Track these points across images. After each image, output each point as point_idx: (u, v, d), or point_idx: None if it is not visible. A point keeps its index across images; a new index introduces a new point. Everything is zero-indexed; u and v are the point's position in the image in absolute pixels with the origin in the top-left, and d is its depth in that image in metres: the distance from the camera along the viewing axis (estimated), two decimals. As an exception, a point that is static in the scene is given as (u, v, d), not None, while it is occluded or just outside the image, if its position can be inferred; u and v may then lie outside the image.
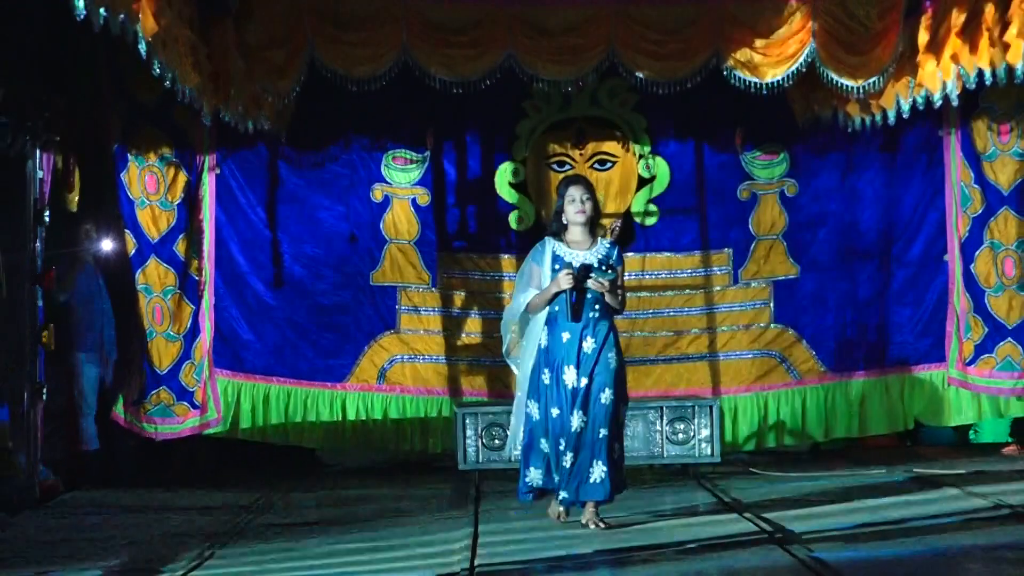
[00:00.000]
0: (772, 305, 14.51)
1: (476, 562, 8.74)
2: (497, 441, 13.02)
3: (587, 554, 8.90)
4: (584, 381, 9.52)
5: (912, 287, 14.48)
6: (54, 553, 9.57)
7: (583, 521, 9.66)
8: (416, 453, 14.33)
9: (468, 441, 13.19)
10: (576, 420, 9.48)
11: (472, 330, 14.43)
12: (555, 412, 9.54)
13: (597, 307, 9.58)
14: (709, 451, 13.09)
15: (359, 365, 14.27)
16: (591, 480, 9.55)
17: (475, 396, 14.06)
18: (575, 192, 9.69)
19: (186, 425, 13.66)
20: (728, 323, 14.49)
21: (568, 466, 9.51)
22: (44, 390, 12.35)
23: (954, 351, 14.31)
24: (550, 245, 9.71)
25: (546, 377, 9.60)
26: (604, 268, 9.60)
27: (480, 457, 13.06)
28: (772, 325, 14.52)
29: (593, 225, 9.83)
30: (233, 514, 11.23)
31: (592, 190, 9.85)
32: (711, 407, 13.21)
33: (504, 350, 10.17)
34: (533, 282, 9.69)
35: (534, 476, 9.75)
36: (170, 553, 9.38)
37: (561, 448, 9.52)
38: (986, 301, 14.09)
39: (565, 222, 9.72)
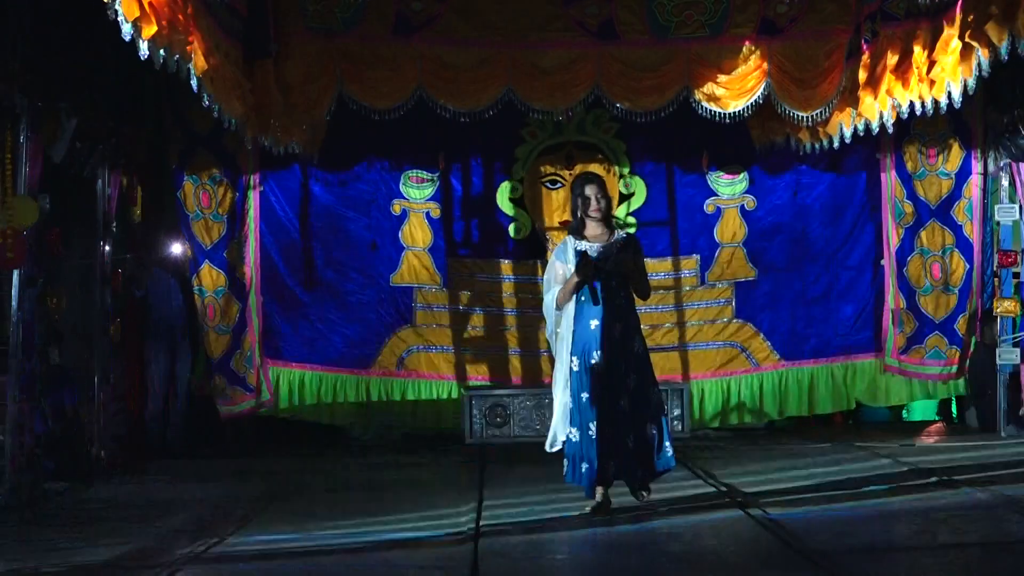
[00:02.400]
0: (734, 303, 14.57)
1: (482, 520, 8.92)
2: (499, 420, 13.12)
3: (574, 516, 9.00)
4: (613, 366, 8.92)
5: (853, 287, 14.56)
6: (124, 515, 9.72)
7: (637, 495, 9.07)
8: (429, 430, 14.37)
9: (474, 420, 13.32)
10: (607, 403, 8.87)
11: (477, 324, 14.49)
12: (584, 397, 8.92)
13: (622, 295, 9.05)
14: (680, 428, 13.20)
15: (381, 354, 14.33)
16: (639, 459, 8.98)
17: (480, 381, 14.12)
18: (590, 191, 9.09)
19: (243, 406, 13.76)
20: (696, 318, 14.55)
21: (617, 449, 8.88)
22: (112, 375, 12.46)
23: (889, 342, 14.38)
24: (571, 242, 9.10)
25: (575, 364, 8.99)
26: (621, 256, 9.02)
27: (484, 433, 13.17)
28: (734, 320, 14.59)
29: (608, 218, 9.24)
30: (277, 480, 11.34)
31: (604, 187, 9.31)
32: (681, 390, 13.37)
33: (550, 342, 9.52)
34: (558, 278, 9.08)
35: (581, 464, 8.94)
36: (224, 514, 9.50)
37: (591, 433, 8.84)
38: (917, 299, 14.20)
39: (582, 218, 9.12)
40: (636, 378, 9.02)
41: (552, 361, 9.74)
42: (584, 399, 8.92)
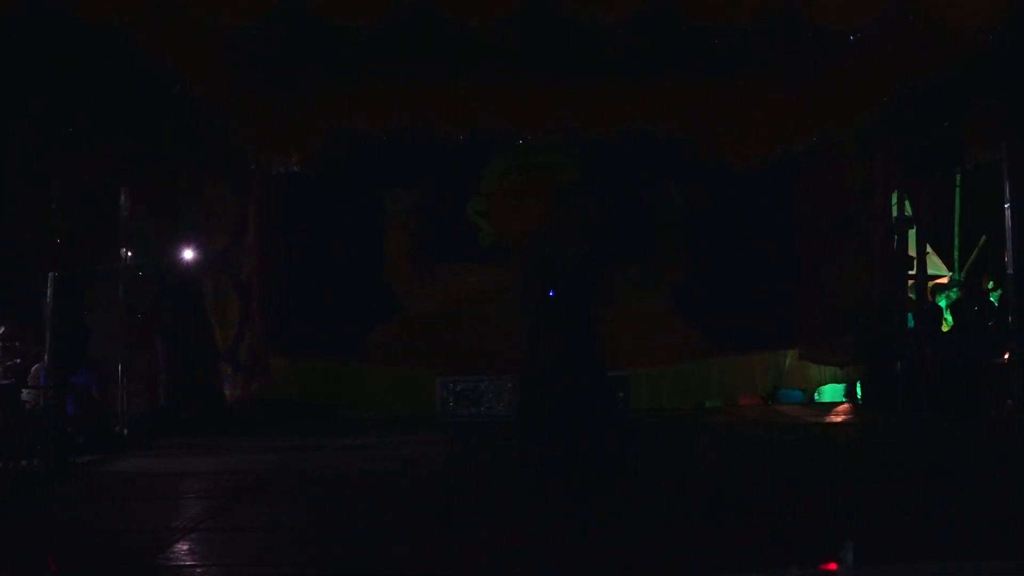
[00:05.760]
0: (673, 301, 14.74)
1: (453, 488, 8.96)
2: (468, 402, 13.19)
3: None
4: (566, 363, 8.54)
5: (775, 287, 14.70)
6: (143, 484, 9.71)
7: (581, 479, 8.39)
8: (408, 410, 14.38)
9: (446, 401, 13.40)
10: (564, 396, 8.44)
11: (451, 319, 14.52)
12: (538, 389, 8.59)
13: (576, 298, 8.62)
14: (627, 409, 13.27)
15: (367, 345, 14.43)
16: (588, 447, 8.43)
17: (452, 368, 14.14)
18: (556, 205, 8.98)
19: (245, 390, 13.80)
20: (640, 314, 14.52)
21: (565, 437, 8.40)
22: (132, 363, 12.48)
23: (805, 334, 14.54)
24: (538, 247, 8.84)
25: (531, 359, 8.65)
26: (578, 266, 8.67)
27: (455, 413, 13.25)
28: (673, 316, 14.74)
29: (570, 231, 8.84)
30: (277, 455, 11.38)
31: (569, 202, 9.18)
32: (627, 377, 13.42)
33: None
34: (525, 279, 8.80)
35: (530, 450, 8.63)
36: (230, 484, 9.54)
37: (553, 422, 8.43)
38: (829, 298, 14.38)
39: (548, 229, 8.88)
40: (590, 374, 8.64)
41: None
42: (537, 391, 8.61)
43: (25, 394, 11.38)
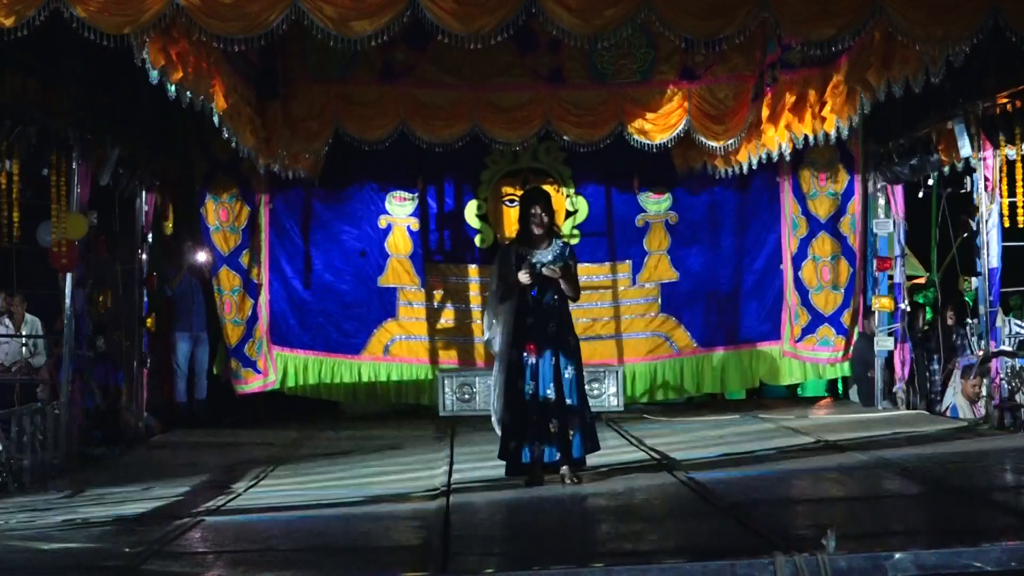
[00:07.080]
0: (659, 300, 14.69)
1: (452, 479, 8.98)
2: (466, 396, 13.22)
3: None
4: (548, 359, 8.30)
5: (757, 287, 14.70)
6: (157, 475, 9.78)
7: (561, 475, 8.39)
8: (410, 404, 14.48)
9: (446, 395, 13.41)
10: (545, 392, 8.26)
11: (449, 318, 14.58)
12: (520, 384, 8.33)
13: (556, 296, 8.40)
14: (615, 403, 13.30)
15: (370, 342, 14.42)
16: (566, 443, 8.32)
17: (451, 364, 14.21)
18: (537, 205, 8.48)
19: (253, 385, 13.94)
20: (628, 313, 14.66)
21: (544, 432, 8.27)
22: (147, 360, 12.51)
23: (787, 332, 14.54)
24: (515, 246, 8.52)
25: (513, 355, 8.40)
26: (557, 262, 8.37)
27: (454, 407, 13.26)
28: (659, 314, 14.69)
29: (549, 230, 8.57)
30: (283, 447, 11.40)
31: (549, 202, 8.73)
32: (616, 372, 13.43)
33: (485, 338, 8.86)
34: (502, 278, 8.47)
35: (512, 445, 8.42)
36: (239, 474, 9.57)
37: (533, 418, 8.29)
38: (809, 297, 14.34)
39: (528, 228, 8.45)
40: (571, 370, 8.45)
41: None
42: (519, 386, 8.38)
43: (40, 390, 11.42)
